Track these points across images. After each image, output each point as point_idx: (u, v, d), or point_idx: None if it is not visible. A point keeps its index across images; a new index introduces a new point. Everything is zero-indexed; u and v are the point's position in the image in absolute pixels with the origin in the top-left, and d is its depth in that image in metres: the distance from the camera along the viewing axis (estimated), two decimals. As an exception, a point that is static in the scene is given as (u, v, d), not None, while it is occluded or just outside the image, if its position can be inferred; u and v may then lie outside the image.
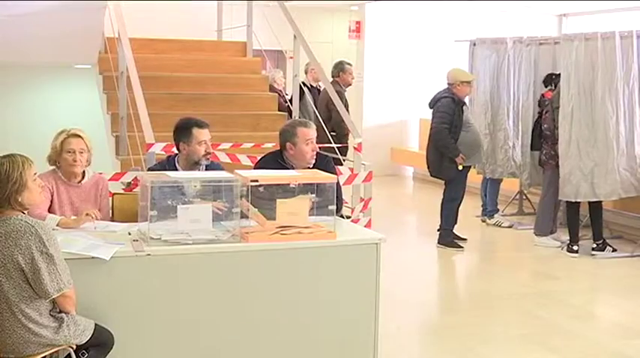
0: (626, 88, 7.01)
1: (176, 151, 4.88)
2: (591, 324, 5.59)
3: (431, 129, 7.53)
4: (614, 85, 6.99)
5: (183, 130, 4.66)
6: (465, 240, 7.72)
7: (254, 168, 4.99)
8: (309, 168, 4.66)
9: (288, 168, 4.70)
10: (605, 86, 7.02)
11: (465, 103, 7.54)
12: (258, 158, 5.14)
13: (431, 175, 7.78)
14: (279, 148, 4.84)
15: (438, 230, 7.70)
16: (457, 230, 7.71)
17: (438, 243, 7.62)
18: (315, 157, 4.73)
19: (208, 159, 4.71)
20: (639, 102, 7.02)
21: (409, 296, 6.09)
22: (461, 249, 7.52)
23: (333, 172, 4.68)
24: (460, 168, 7.36)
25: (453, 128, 7.31)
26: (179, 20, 11.35)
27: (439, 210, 7.67)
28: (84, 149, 4.41)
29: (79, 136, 4.42)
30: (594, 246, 7.29)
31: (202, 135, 4.65)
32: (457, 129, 7.33)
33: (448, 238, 7.58)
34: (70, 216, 4.28)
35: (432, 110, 7.58)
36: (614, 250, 7.30)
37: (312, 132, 4.69)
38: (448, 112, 7.32)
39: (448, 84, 7.49)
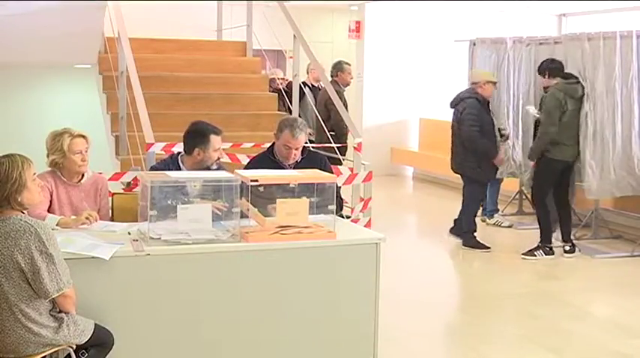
0: (624, 88, 7.02)
1: (177, 151, 4.89)
2: (591, 324, 5.58)
3: (452, 129, 7.53)
4: (613, 85, 7.01)
5: (200, 136, 4.68)
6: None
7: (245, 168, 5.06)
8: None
9: (278, 163, 4.79)
10: (604, 86, 7.03)
11: (489, 103, 7.56)
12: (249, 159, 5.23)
13: (452, 170, 7.77)
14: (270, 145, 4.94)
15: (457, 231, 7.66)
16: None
17: (463, 245, 7.58)
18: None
19: (219, 163, 4.75)
20: (638, 101, 7.03)
21: (409, 296, 6.08)
22: (488, 249, 7.47)
23: (330, 172, 4.70)
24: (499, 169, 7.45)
25: (483, 128, 7.32)
26: (179, 20, 11.36)
27: (442, 210, 7.66)
28: (87, 148, 4.43)
29: (84, 136, 4.44)
30: (567, 247, 7.27)
31: (218, 142, 4.70)
32: (489, 127, 7.34)
33: (473, 240, 7.55)
34: (70, 215, 4.28)
35: (453, 109, 7.58)
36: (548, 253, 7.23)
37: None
38: (476, 114, 7.32)
39: (472, 83, 7.50)
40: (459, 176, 7.92)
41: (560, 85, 7.09)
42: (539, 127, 7.23)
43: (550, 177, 7.13)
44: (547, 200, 7.21)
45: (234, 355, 3.87)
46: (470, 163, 7.47)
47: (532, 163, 7.40)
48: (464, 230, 7.59)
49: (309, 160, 4.87)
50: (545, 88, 7.32)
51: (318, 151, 5.27)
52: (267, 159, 4.88)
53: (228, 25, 9.78)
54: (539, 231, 7.30)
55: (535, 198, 7.32)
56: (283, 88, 8.66)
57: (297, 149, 4.81)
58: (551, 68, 7.20)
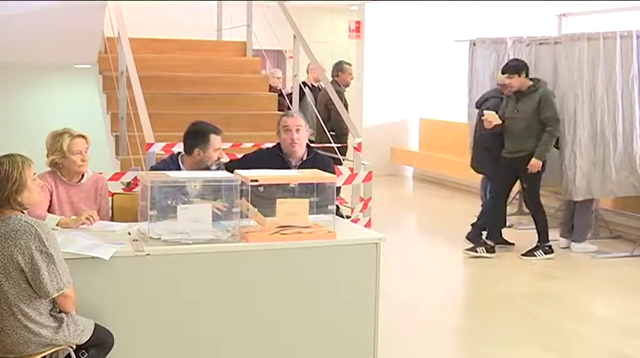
0: (625, 88, 7.03)
1: (177, 151, 4.89)
2: (591, 324, 5.58)
3: (475, 129, 7.58)
4: (613, 85, 7.02)
5: (200, 136, 4.69)
6: (512, 244, 7.59)
7: (245, 157, 5.10)
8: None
9: (284, 160, 4.81)
10: (605, 86, 7.05)
11: None
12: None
13: (472, 167, 7.81)
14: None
15: (472, 225, 7.67)
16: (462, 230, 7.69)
17: (466, 237, 7.59)
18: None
19: (218, 164, 4.75)
20: (638, 101, 7.03)
21: (409, 295, 6.09)
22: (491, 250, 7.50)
23: (333, 173, 4.70)
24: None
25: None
26: (179, 20, 11.36)
27: (442, 210, 7.66)
28: (87, 148, 4.44)
29: (83, 137, 4.44)
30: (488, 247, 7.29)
31: (218, 142, 4.72)
32: None
33: (478, 237, 7.51)
34: (70, 215, 4.28)
35: (477, 110, 7.65)
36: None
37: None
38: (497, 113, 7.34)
39: (498, 84, 7.54)
40: (459, 177, 7.92)
41: (545, 85, 7.17)
42: (549, 126, 6.99)
43: (541, 177, 7.15)
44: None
45: (234, 355, 3.87)
46: (488, 162, 7.50)
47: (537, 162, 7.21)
48: (478, 224, 7.60)
49: (314, 161, 4.86)
50: (518, 90, 7.14)
51: (325, 154, 5.28)
52: (274, 154, 4.90)
53: (228, 25, 9.78)
54: (536, 231, 7.31)
55: (530, 199, 7.31)
56: (283, 90, 8.66)
57: (297, 130, 4.82)
58: (526, 67, 7.19)
